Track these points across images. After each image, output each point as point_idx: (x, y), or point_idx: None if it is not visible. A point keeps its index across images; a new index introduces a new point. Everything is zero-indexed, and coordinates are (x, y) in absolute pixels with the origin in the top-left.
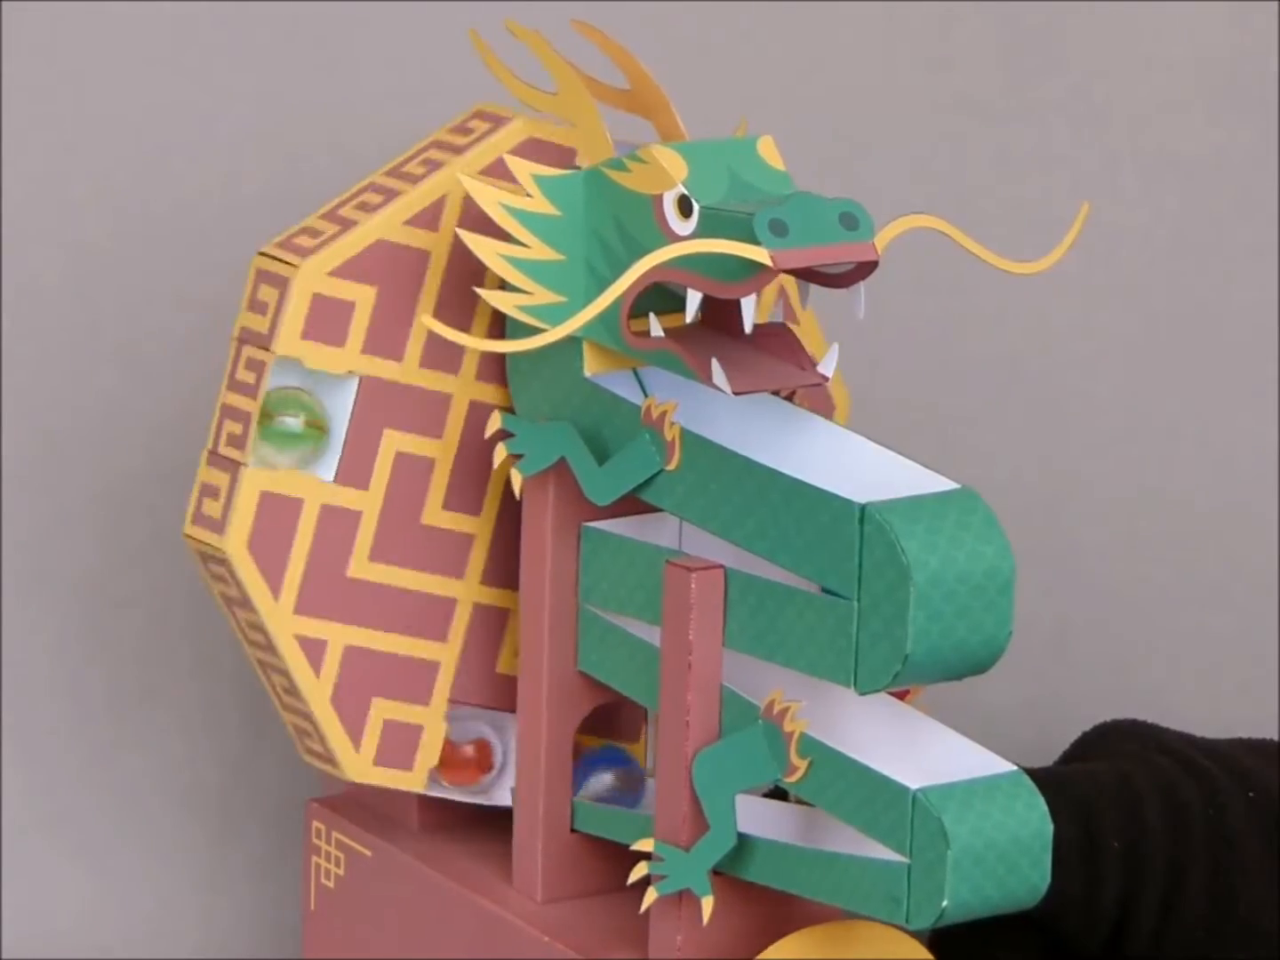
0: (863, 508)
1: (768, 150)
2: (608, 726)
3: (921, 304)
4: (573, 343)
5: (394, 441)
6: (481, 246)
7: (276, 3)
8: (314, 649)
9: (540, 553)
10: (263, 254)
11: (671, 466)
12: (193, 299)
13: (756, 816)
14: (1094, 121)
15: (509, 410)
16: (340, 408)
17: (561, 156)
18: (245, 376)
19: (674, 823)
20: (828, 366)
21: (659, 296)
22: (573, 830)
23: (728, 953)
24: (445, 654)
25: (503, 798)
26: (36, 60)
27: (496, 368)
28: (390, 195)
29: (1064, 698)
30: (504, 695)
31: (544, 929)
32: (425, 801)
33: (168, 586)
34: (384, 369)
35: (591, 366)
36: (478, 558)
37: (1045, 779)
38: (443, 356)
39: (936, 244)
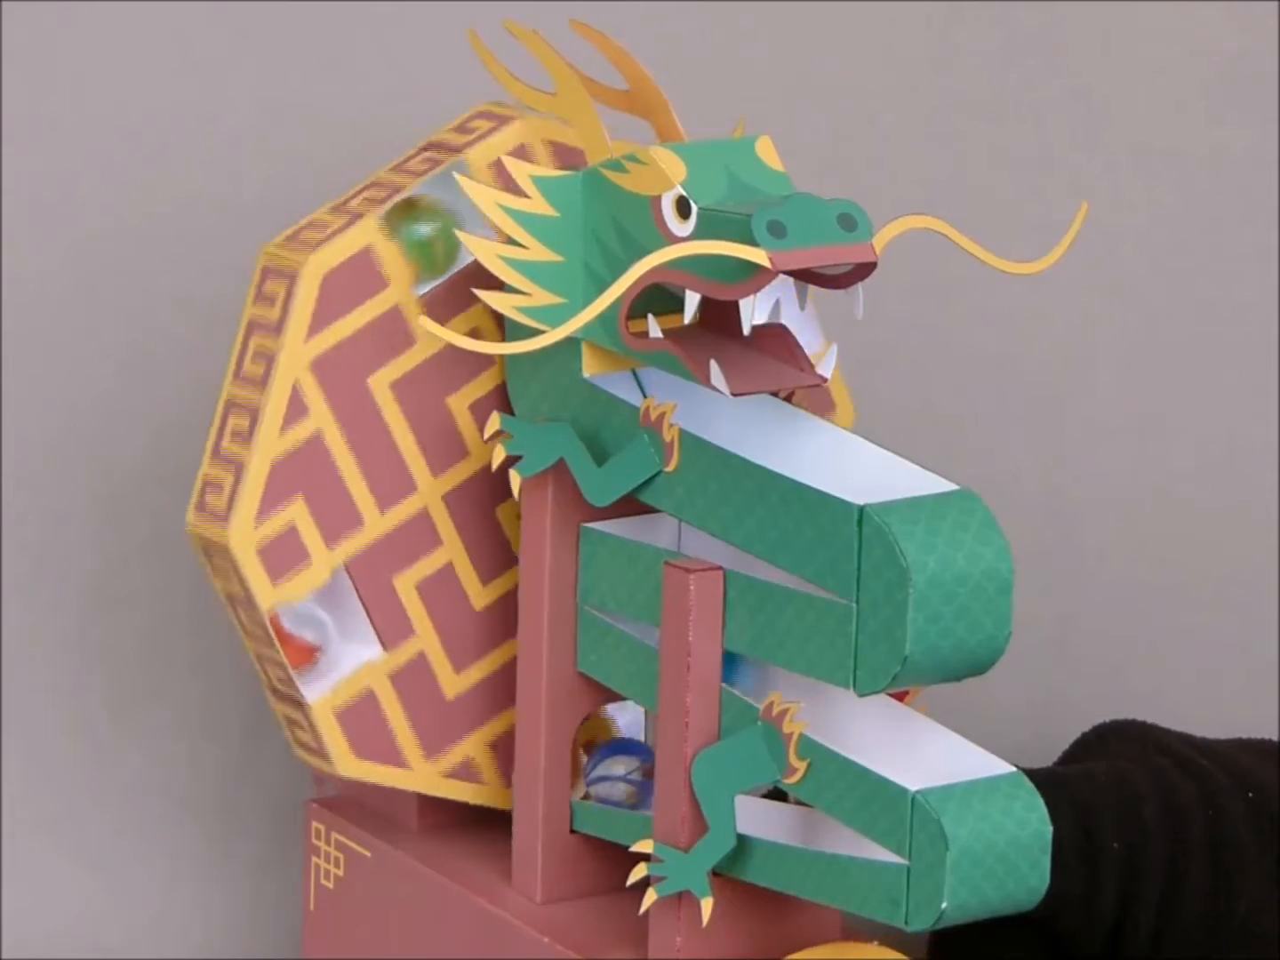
0: (861, 509)
1: (766, 151)
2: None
3: (921, 304)
4: (571, 344)
5: (408, 581)
6: (480, 247)
7: (276, 3)
8: (466, 771)
9: (539, 554)
10: (269, 251)
11: (670, 468)
12: (193, 299)
13: (756, 818)
14: (1094, 121)
15: (507, 417)
16: (348, 600)
17: (568, 156)
18: (253, 369)
19: (673, 824)
20: (826, 367)
21: (658, 297)
22: (572, 831)
23: (727, 954)
24: (375, 523)
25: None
26: (36, 60)
27: (446, 455)
28: (394, 190)
29: (1063, 698)
30: (381, 607)
31: (544, 929)
32: (425, 802)
33: (168, 586)
34: (356, 541)
35: (590, 368)
36: (460, 473)
37: (1044, 780)
38: (393, 488)
39: (935, 244)
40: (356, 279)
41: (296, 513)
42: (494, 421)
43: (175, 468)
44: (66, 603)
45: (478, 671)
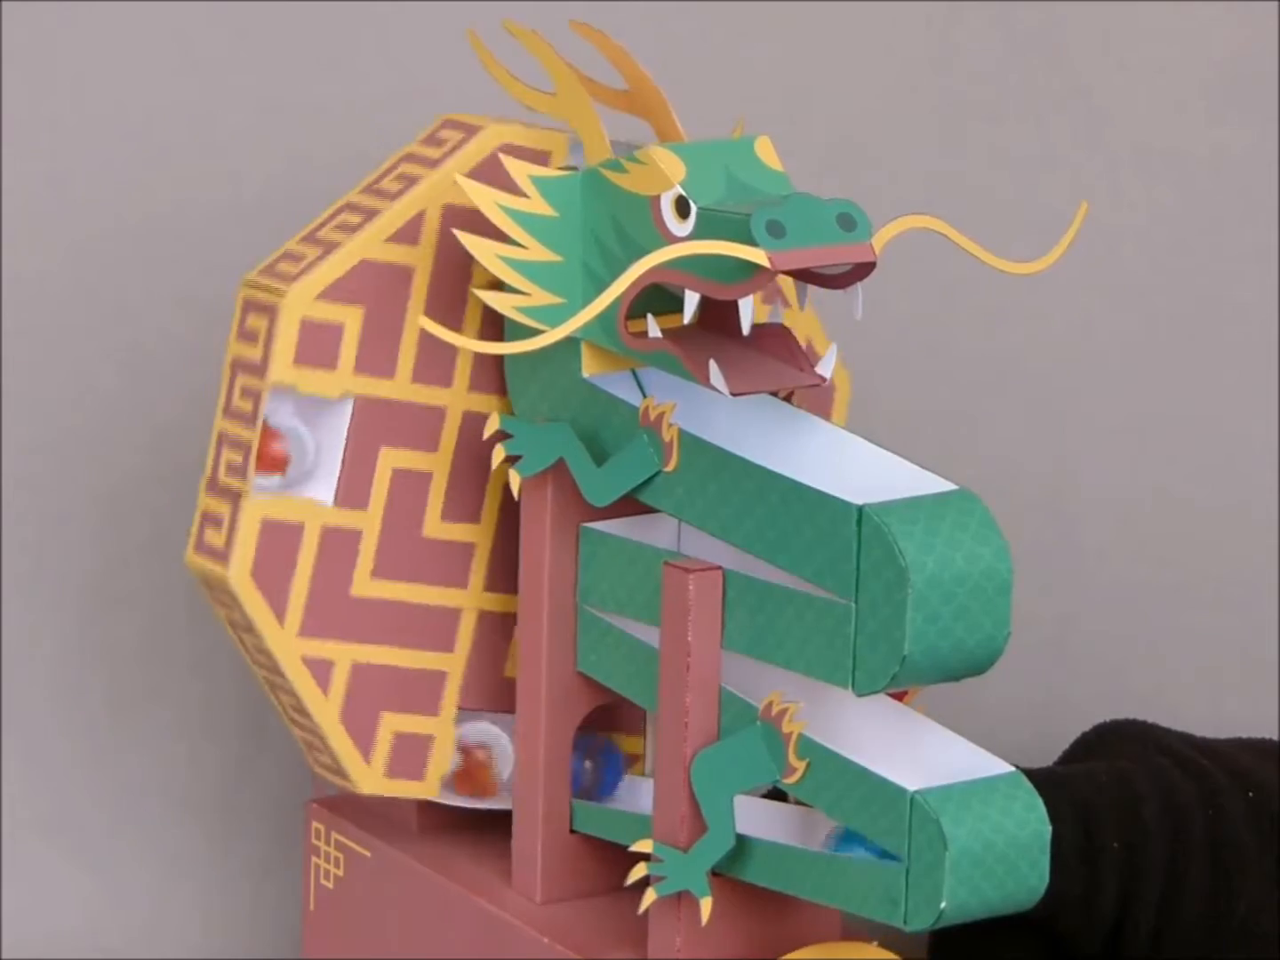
0: (860, 509)
1: (765, 151)
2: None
3: (920, 304)
4: (571, 344)
5: (391, 459)
6: (479, 248)
7: (277, 3)
8: (321, 669)
9: (539, 554)
10: (248, 283)
11: (670, 467)
12: (193, 299)
13: (755, 817)
14: (1094, 121)
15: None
16: (336, 430)
17: (535, 160)
18: (242, 405)
19: (673, 824)
20: (826, 367)
21: (657, 297)
22: (572, 831)
23: (726, 953)
24: (452, 663)
25: (504, 801)
26: (36, 60)
27: (489, 377)
28: (369, 214)
29: (1063, 698)
30: (512, 699)
31: (543, 930)
32: (425, 802)
33: (168, 586)
34: (377, 387)
35: (590, 367)
36: (479, 566)
37: (1044, 780)
38: (434, 370)
39: (935, 244)
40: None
41: (350, 318)
42: (494, 421)
43: (175, 468)
44: (66, 603)
45: (390, 590)
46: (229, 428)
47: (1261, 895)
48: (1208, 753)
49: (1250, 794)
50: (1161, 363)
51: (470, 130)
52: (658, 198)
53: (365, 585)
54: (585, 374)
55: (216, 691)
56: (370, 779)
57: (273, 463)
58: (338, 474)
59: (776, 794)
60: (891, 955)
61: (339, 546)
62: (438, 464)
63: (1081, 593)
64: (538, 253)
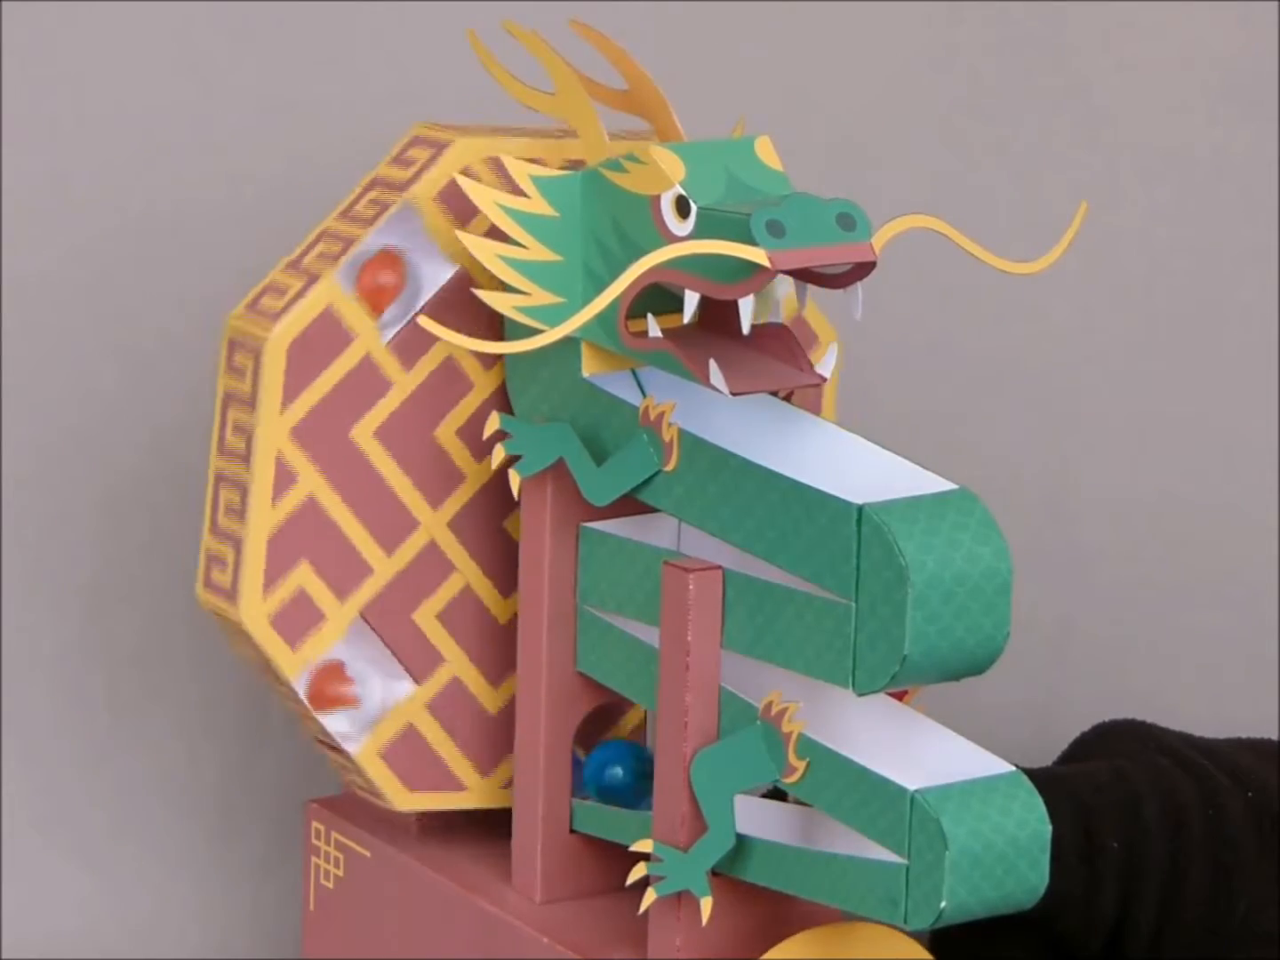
0: (860, 509)
1: (765, 150)
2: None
3: (920, 304)
4: (571, 344)
5: (427, 614)
6: (480, 247)
7: (276, 3)
8: (284, 477)
9: (539, 553)
10: (234, 320)
11: (669, 467)
12: (193, 299)
13: (755, 817)
14: (1094, 121)
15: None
16: (431, 282)
17: (326, 330)
18: (235, 442)
19: (672, 823)
20: (826, 367)
21: (657, 297)
22: (572, 831)
23: (727, 953)
24: (383, 566)
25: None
26: (36, 60)
27: (442, 485)
28: (347, 242)
29: (1063, 698)
30: (406, 645)
31: (543, 929)
32: None
33: (168, 586)
34: (367, 592)
35: (590, 367)
36: (459, 498)
37: (1044, 779)
38: (395, 530)
39: (935, 244)
40: (322, 342)
41: (303, 577)
42: (493, 421)
43: (175, 468)
44: (66, 603)
45: (511, 689)
46: (224, 466)
47: (1261, 895)
48: (1208, 753)
49: (1250, 794)
50: (1161, 363)
51: (438, 147)
52: (658, 198)
53: (365, 436)
54: (585, 374)
55: (216, 691)
56: (255, 614)
57: (333, 704)
58: (400, 667)
59: (776, 794)
60: (903, 936)
61: (367, 383)
62: (469, 575)
63: (1081, 593)
64: (538, 253)
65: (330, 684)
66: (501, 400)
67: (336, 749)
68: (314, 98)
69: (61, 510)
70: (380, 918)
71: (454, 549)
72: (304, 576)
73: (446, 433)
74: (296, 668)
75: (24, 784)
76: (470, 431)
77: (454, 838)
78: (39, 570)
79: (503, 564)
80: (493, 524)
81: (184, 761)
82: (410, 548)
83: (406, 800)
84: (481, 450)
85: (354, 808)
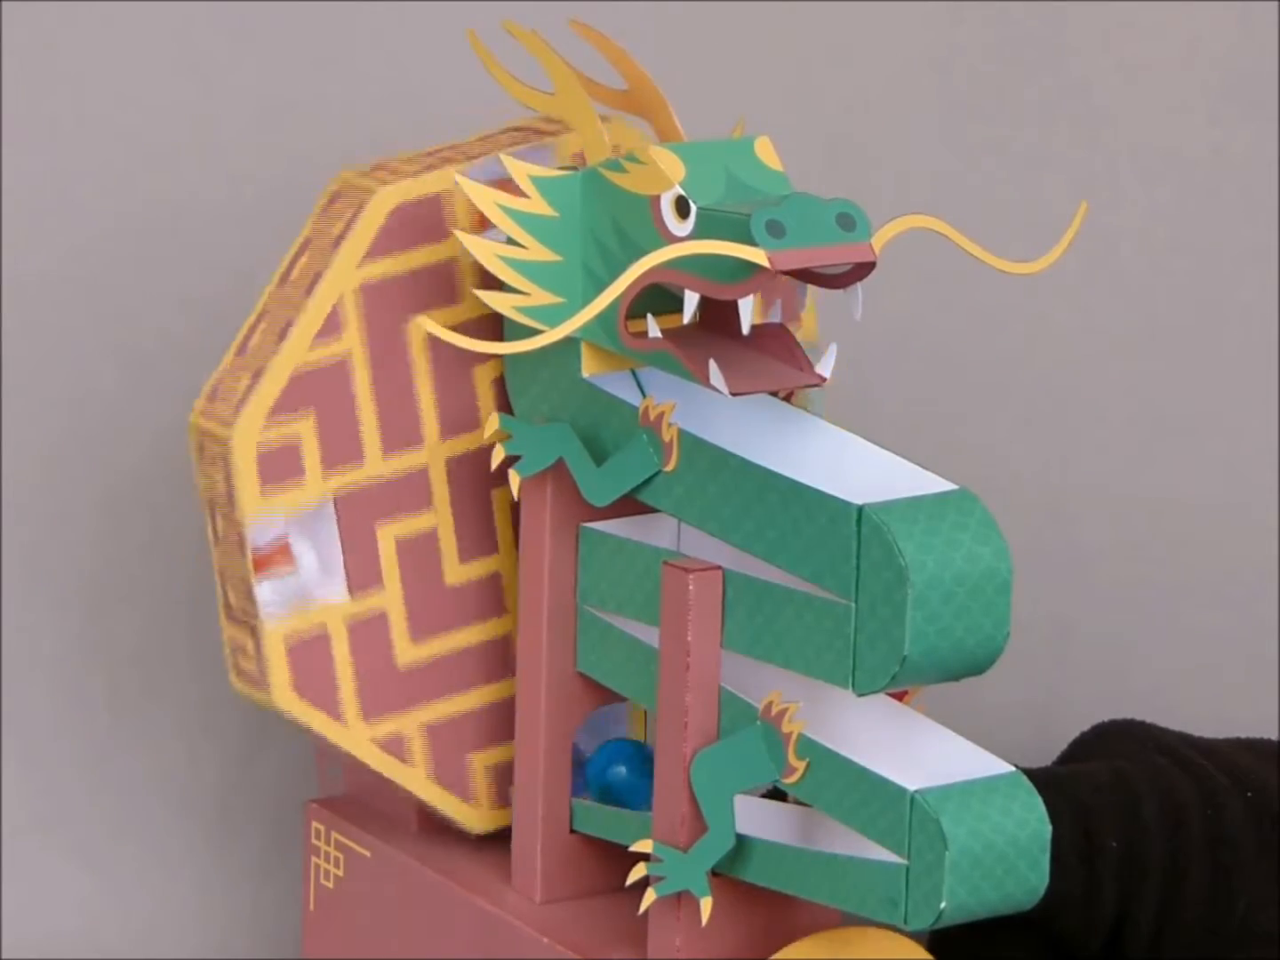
0: (860, 509)
1: (765, 151)
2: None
3: (920, 304)
4: (571, 344)
5: (389, 532)
6: (479, 248)
7: (276, 3)
8: (395, 745)
9: (538, 554)
10: (195, 422)
11: (669, 467)
12: (193, 299)
13: (755, 817)
14: (1094, 121)
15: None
16: (328, 530)
17: (430, 215)
18: (299, 280)
19: (672, 824)
20: (826, 367)
21: (657, 297)
22: (572, 831)
23: (727, 954)
24: (514, 686)
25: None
26: (36, 60)
27: (460, 418)
28: (288, 322)
29: (1063, 698)
30: (358, 550)
31: (543, 929)
32: (425, 802)
33: (168, 586)
34: (352, 477)
35: (589, 367)
36: (511, 588)
37: (1043, 779)
38: (402, 437)
39: (935, 244)
40: (423, 220)
41: (304, 428)
42: (493, 421)
43: (175, 468)
44: (66, 603)
45: (434, 647)
46: (224, 562)
47: (1261, 895)
48: (1207, 753)
49: (1250, 794)
50: (1161, 363)
51: (361, 197)
52: (657, 198)
53: (409, 653)
54: (585, 374)
55: (216, 691)
56: (481, 818)
57: (267, 567)
58: (343, 568)
59: (776, 794)
60: (906, 940)
61: (370, 631)
62: (439, 516)
63: (1081, 593)
64: (537, 253)
65: (276, 555)
66: (468, 521)
67: (246, 622)
68: (314, 98)
69: (61, 510)
70: (380, 918)
71: (441, 487)
72: (305, 429)
73: (484, 376)
74: (256, 514)
75: (24, 784)
76: (467, 551)
77: (454, 838)
78: (39, 570)
79: (475, 529)
80: (483, 486)
81: (184, 761)
82: (405, 460)
83: (285, 699)
84: (488, 548)
85: (354, 808)
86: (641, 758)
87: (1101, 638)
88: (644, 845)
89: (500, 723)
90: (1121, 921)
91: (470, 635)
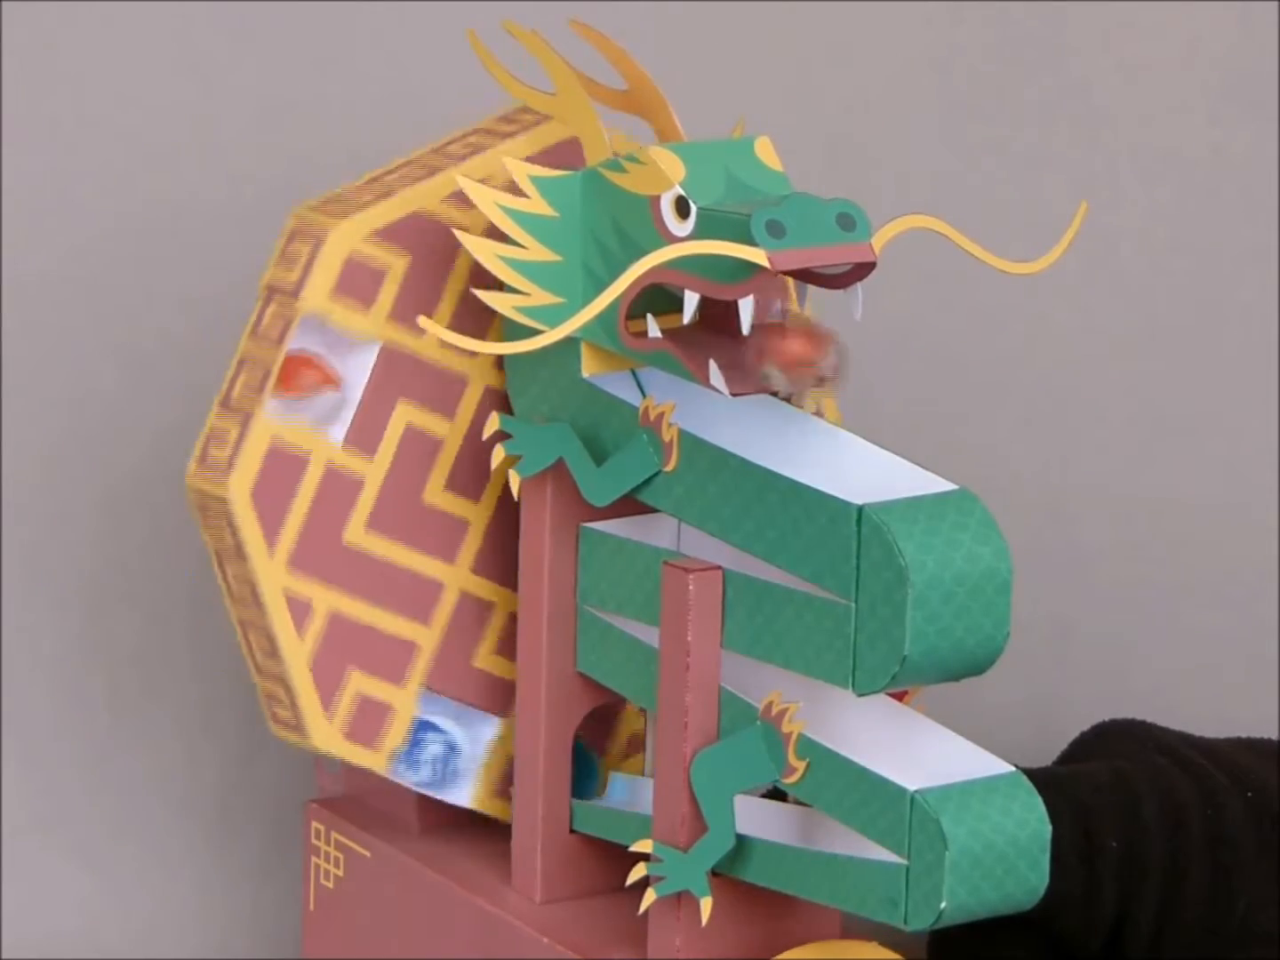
0: (860, 509)
1: (765, 151)
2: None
3: (920, 304)
4: (571, 344)
5: (406, 414)
6: (479, 247)
7: (277, 3)
8: (300, 609)
9: (538, 553)
10: (299, 212)
11: (669, 467)
12: (193, 299)
13: (755, 817)
14: (1094, 121)
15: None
16: (359, 370)
17: (398, 238)
18: (269, 330)
19: (672, 824)
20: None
21: (657, 297)
22: (572, 831)
23: (726, 954)
24: (426, 637)
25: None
26: (36, 60)
27: (451, 540)
28: (432, 170)
29: (1063, 698)
30: (477, 691)
31: (543, 929)
32: (425, 802)
33: (168, 586)
34: (407, 339)
35: (589, 367)
36: (471, 544)
37: (1043, 779)
38: (465, 337)
39: (935, 244)
40: (280, 475)
41: (357, 684)
42: (493, 421)
43: (175, 468)
44: (66, 603)
45: (380, 547)
46: (253, 349)
47: (1261, 895)
48: (1207, 752)
49: (1250, 794)
50: (1161, 363)
51: (544, 117)
52: (657, 198)
53: (358, 534)
54: (585, 374)
55: (216, 691)
56: (328, 736)
57: (292, 387)
58: (352, 416)
59: (776, 794)
60: (891, 954)
61: (340, 488)
62: (451, 432)
63: (1081, 593)
64: (537, 253)
65: (303, 366)
66: (470, 446)
67: (275, 660)
68: (314, 98)
69: (61, 510)
70: (380, 918)
71: (468, 407)
72: (357, 684)
73: (434, 492)
74: (384, 763)
75: (24, 784)
76: (456, 480)
77: (454, 838)
78: (39, 570)
79: (472, 466)
80: (511, 548)
81: (184, 761)
82: (444, 609)
83: (330, 741)
84: (475, 491)
85: (354, 808)
86: None
87: (1101, 638)
88: (644, 845)
89: (391, 659)
90: (1121, 921)
91: (414, 560)
